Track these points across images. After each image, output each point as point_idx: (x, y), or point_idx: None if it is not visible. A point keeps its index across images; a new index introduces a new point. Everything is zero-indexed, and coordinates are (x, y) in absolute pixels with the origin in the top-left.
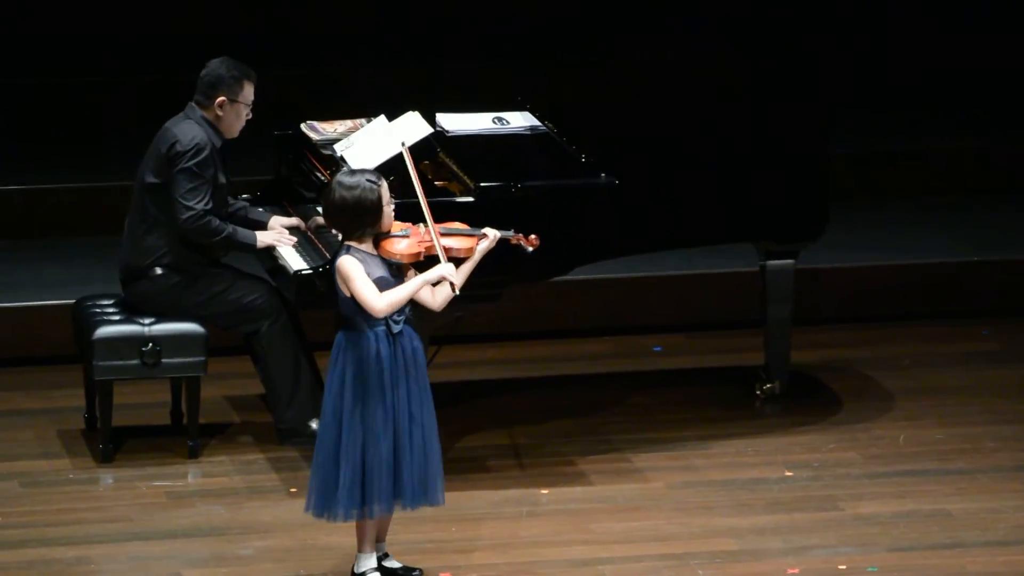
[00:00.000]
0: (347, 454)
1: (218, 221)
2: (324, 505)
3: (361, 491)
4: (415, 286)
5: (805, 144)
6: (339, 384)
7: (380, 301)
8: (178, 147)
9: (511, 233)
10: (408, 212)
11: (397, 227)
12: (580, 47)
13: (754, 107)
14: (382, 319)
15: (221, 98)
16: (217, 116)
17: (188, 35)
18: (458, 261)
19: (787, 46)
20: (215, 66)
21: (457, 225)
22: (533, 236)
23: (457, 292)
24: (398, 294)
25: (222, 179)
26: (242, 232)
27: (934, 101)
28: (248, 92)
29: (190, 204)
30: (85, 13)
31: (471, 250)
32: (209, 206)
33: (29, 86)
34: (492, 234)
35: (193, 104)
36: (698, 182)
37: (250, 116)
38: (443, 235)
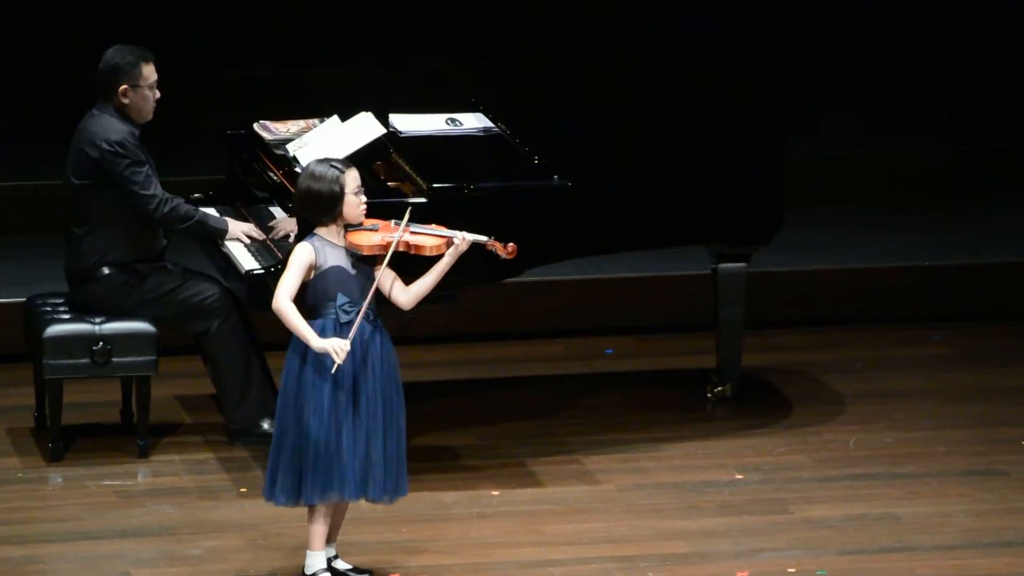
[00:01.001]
0: (287, 441)
1: (187, 206)
2: (268, 490)
3: (298, 478)
4: (303, 330)
5: (759, 148)
6: (287, 370)
7: (280, 299)
8: (104, 145)
9: (486, 239)
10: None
11: (371, 221)
12: (541, 51)
13: (708, 111)
14: (332, 308)
15: (123, 86)
16: (124, 104)
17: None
18: (426, 260)
19: (745, 51)
20: (108, 57)
21: (433, 226)
22: (511, 245)
23: (333, 370)
24: (290, 315)
25: (153, 165)
26: (213, 218)
27: (886, 104)
28: (148, 73)
29: (150, 192)
30: (65, 13)
31: (438, 248)
32: (161, 190)
33: None
34: (462, 237)
35: (101, 100)
36: (650, 185)
37: (158, 95)
38: (413, 232)
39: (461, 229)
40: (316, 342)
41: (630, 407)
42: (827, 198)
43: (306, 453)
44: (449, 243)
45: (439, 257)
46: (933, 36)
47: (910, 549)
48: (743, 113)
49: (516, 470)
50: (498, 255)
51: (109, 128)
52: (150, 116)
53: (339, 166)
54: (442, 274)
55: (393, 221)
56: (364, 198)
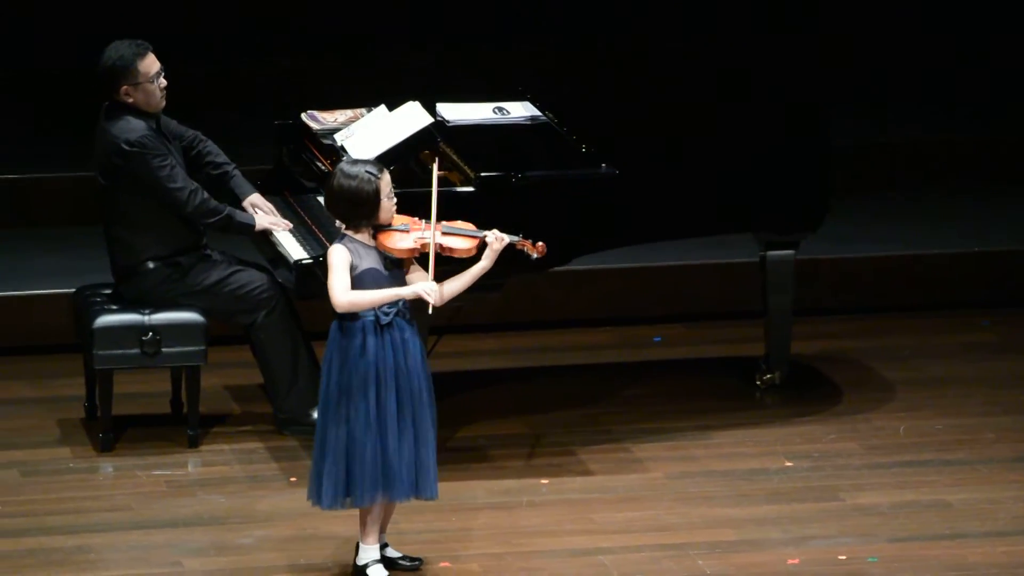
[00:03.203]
0: (331, 444)
1: (215, 202)
2: (314, 492)
3: (345, 482)
4: (385, 296)
5: (805, 135)
6: (327, 373)
7: (343, 296)
8: (125, 147)
9: (517, 238)
10: (413, 204)
11: (399, 220)
12: (585, 38)
13: (755, 98)
14: (370, 310)
15: (124, 87)
16: (129, 102)
17: (191, 32)
18: (457, 261)
19: (787, 38)
20: (104, 59)
21: (463, 225)
22: (540, 244)
23: (430, 311)
24: (364, 297)
25: (177, 155)
26: (240, 214)
27: (934, 93)
28: (146, 67)
29: (179, 185)
30: (94, 6)
31: (470, 251)
32: (188, 181)
33: (29, 75)
34: (495, 237)
35: (112, 98)
36: (698, 172)
37: (164, 83)
38: (445, 233)
39: (507, 217)
40: (406, 291)
41: (678, 395)
42: (875, 185)
43: (353, 457)
44: (481, 244)
45: (470, 258)
46: (995, 34)
47: (961, 536)
48: (790, 101)
49: (565, 459)
50: (528, 254)
51: (126, 128)
52: (162, 105)
53: (374, 171)
54: (477, 277)
55: (422, 220)
56: (395, 200)
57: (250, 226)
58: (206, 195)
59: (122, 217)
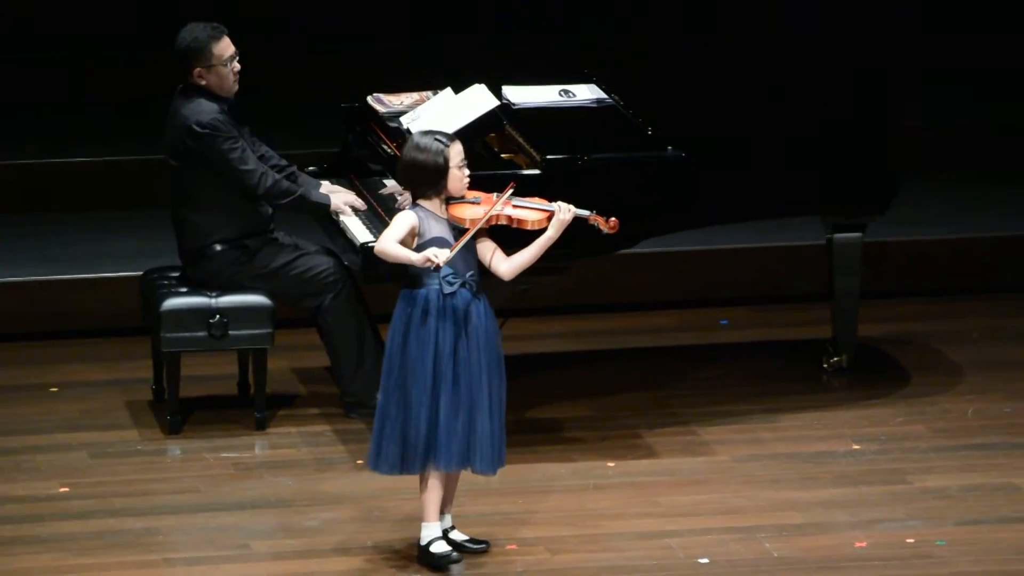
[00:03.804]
0: (391, 410)
1: (287, 183)
2: (372, 457)
3: (401, 447)
4: (405, 255)
5: (873, 118)
6: (391, 340)
7: (382, 242)
8: (196, 128)
9: (587, 213)
10: (479, 185)
11: (472, 194)
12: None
13: (822, 80)
14: (436, 278)
15: (197, 69)
16: (202, 85)
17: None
18: (526, 234)
19: (856, 22)
20: (179, 40)
21: (535, 199)
22: (613, 220)
23: (432, 268)
24: (396, 249)
25: (248, 139)
26: (315, 193)
27: (996, 73)
28: (220, 50)
29: (250, 167)
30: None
31: (540, 223)
32: (259, 164)
33: (92, 59)
34: (564, 209)
35: (186, 80)
36: (766, 155)
37: (238, 68)
38: (516, 206)
39: (573, 200)
40: (416, 257)
41: (745, 378)
42: (942, 167)
43: (408, 424)
44: (551, 217)
45: (542, 231)
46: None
47: None
48: (858, 83)
49: (631, 441)
50: (600, 230)
51: (198, 110)
52: (235, 89)
53: (443, 139)
54: (545, 247)
55: (495, 194)
56: (467, 171)
57: (326, 205)
58: (277, 176)
59: (190, 199)
